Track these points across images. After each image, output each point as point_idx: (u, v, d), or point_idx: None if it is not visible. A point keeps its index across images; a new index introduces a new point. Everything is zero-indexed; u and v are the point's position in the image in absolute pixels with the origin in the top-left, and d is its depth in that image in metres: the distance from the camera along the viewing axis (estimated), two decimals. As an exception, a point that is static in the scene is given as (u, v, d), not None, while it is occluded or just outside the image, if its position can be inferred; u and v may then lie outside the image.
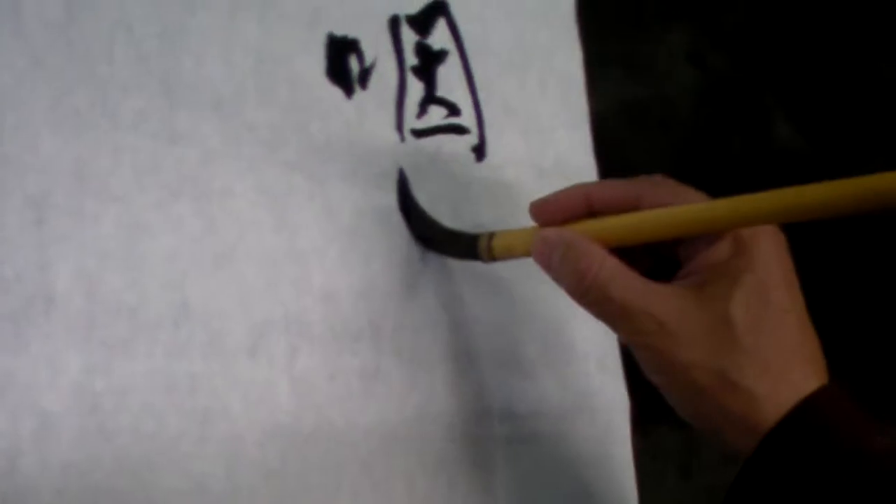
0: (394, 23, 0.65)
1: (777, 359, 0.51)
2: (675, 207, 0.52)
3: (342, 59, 0.62)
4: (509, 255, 0.58)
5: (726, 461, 0.75)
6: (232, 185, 0.57)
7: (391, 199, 0.63)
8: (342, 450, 0.58)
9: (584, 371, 0.69)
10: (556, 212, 0.56)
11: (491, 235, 0.59)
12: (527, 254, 0.56)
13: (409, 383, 0.61)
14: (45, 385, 0.50)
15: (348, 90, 0.62)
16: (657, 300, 0.51)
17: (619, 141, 0.76)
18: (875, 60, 0.93)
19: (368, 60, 0.63)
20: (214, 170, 0.56)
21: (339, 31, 0.63)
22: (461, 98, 0.67)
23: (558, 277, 0.54)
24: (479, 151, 0.67)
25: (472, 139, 0.67)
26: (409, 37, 0.65)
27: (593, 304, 0.53)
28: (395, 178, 0.63)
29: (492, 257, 0.59)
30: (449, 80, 0.67)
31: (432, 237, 0.63)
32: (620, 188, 0.54)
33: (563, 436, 0.67)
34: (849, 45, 0.92)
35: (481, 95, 0.68)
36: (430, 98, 0.66)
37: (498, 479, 0.63)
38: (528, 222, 0.67)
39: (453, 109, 0.67)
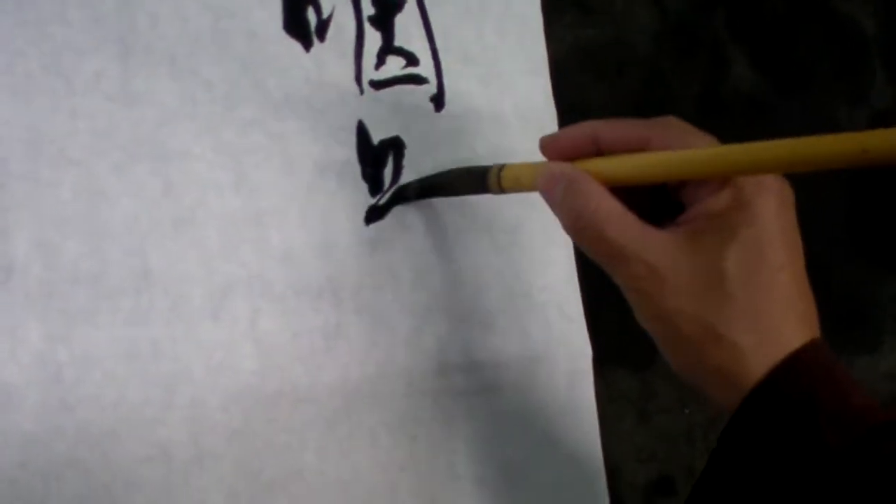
0: (350, -28, 0.64)
1: (766, 315, 0.50)
2: (678, 151, 0.51)
3: (300, 12, 0.61)
4: (518, 186, 0.58)
5: (682, 404, 0.77)
6: (190, 145, 0.56)
7: (351, 153, 0.62)
8: (306, 409, 0.58)
9: (545, 320, 0.69)
10: (564, 147, 0.55)
11: (501, 167, 0.58)
12: (533, 186, 0.56)
13: (371, 339, 0.61)
14: (5, 357, 0.49)
15: (307, 43, 0.61)
16: (651, 245, 0.51)
17: (576, 85, 0.75)
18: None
19: (326, 12, 0.62)
20: (172, 130, 0.56)
21: (297, -17, 0.62)
22: (419, 47, 0.66)
23: (558, 212, 0.54)
24: (438, 101, 0.67)
25: (430, 89, 0.66)
26: (366, -15, 0.64)
27: (587, 243, 0.53)
28: (354, 131, 0.62)
29: (501, 189, 0.59)
30: (407, 29, 0.66)
31: (435, 181, 0.63)
32: (630, 128, 0.53)
33: (524, 385, 0.67)
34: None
35: (439, 44, 0.67)
36: (388, 48, 0.65)
37: (460, 432, 0.64)
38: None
39: (411, 59, 0.66)
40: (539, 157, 0.56)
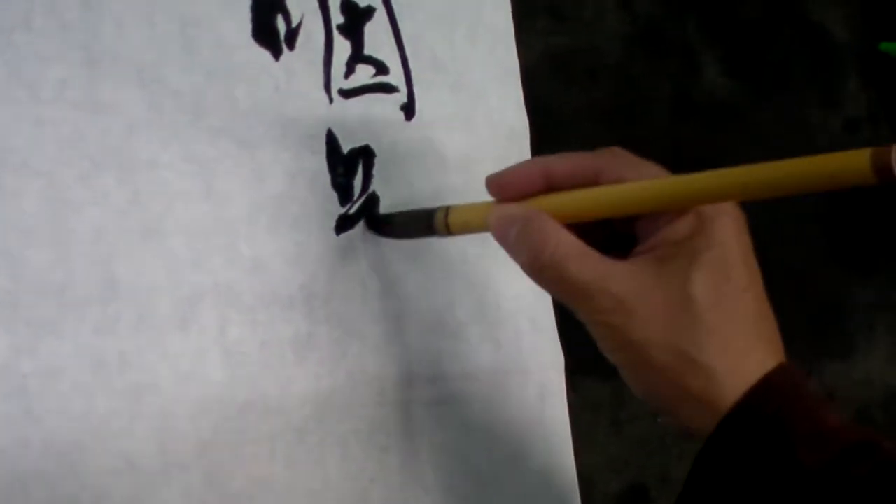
0: (319, -20, 0.63)
1: (736, 337, 0.50)
2: (634, 183, 0.51)
3: (269, 20, 0.61)
4: (466, 229, 0.57)
5: (654, 413, 0.76)
6: (157, 154, 0.56)
7: (321, 161, 0.62)
8: (275, 419, 0.58)
9: (517, 330, 0.69)
10: (513, 186, 0.54)
11: (447, 210, 0.58)
12: (483, 228, 0.55)
13: (341, 349, 0.61)
14: (-32, 369, 0.49)
15: (276, 52, 0.61)
16: (615, 278, 0.50)
17: (548, 92, 0.75)
18: (803, 2, 0.93)
19: (295, 20, 0.62)
20: (139, 140, 0.55)
21: (265, -9, 0.61)
22: (389, 56, 0.66)
23: (514, 254, 0.53)
24: (409, 110, 0.67)
25: (400, 98, 0.66)
26: (335, -6, 0.64)
27: (549, 282, 0.52)
28: (324, 140, 0.62)
29: (449, 232, 0.58)
30: (376, 37, 0.66)
31: (386, 222, 0.63)
32: (579, 161, 0.53)
33: (496, 396, 0.67)
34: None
35: (409, 52, 0.67)
36: (357, 57, 0.65)
37: (431, 442, 0.63)
38: (456, 178, 0.67)
39: (381, 68, 0.66)
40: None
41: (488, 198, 0.56)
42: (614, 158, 0.53)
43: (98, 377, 0.52)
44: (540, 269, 0.52)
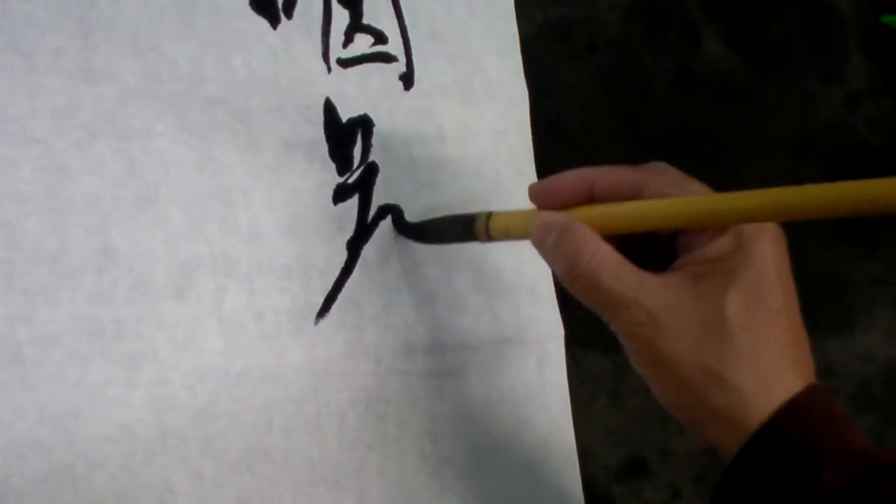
0: (317, -51, 0.63)
1: (766, 358, 0.50)
2: (675, 199, 0.51)
3: (266, -12, 0.61)
4: (506, 236, 0.57)
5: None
6: (152, 123, 0.56)
7: (319, 131, 0.62)
8: (272, 388, 0.58)
9: (516, 301, 0.69)
10: (556, 195, 0.54)
11: (489, 216, 0.58)
12: (524, 235, 0.55)
13: (338, 319, 0.61)
14: (-36, 336, 0.49)
15: (273, 20, 0.61)
16: (649, 291, 0.51)
17: (547, 63, 0.75)
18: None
19: (293, -11, 0.62)
20: (134, 108, 0.55)
21: (262, -40, 0.61)
22: (388, 25, 0.66)
23: (551, 261, 0.54)
24: (407, 79, 0.66)
25: (399, 67, 0.66)
26: (333, -37, 0.64)
27: (583, 291, 0.52)
28: (321, 109, 0.62)
29: (489, 238, 0.58)
30: (375, 6, 0.65)
31: (425, 227, 0.63)
32: (624, 175, 0.53)
33: (494, 367, 0.67)
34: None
35: (408, 22, 0.67)
36: (356, 26, 0.64)
37: (429, 412, 0.63)
38: (455, 149, 0.67)
39: (380, 37, 0.65)
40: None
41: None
42: (659, 174, 0.53)
43: (94, 345, 0.52)
44: (576, 278, 0.52)
